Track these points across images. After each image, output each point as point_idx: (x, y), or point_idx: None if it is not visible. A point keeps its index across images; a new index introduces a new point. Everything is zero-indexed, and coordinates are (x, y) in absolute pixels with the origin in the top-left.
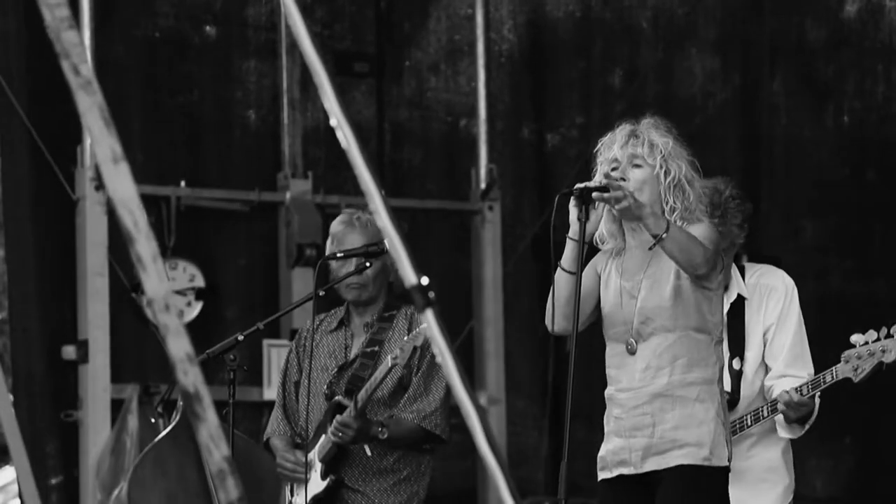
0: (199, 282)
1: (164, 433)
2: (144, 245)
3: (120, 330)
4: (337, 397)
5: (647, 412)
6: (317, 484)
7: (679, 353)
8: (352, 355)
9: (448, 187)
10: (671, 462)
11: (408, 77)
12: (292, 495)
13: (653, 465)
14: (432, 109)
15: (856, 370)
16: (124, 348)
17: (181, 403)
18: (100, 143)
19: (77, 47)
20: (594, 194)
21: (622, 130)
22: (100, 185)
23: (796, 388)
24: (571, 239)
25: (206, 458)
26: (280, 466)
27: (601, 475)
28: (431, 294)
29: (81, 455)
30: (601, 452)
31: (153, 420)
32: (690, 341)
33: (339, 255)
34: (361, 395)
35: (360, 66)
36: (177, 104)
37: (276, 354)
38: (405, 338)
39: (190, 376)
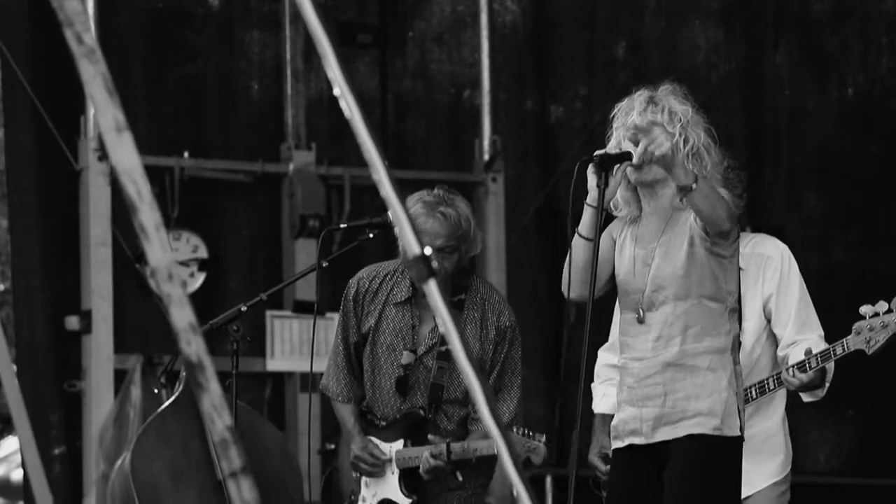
0: (203, 253)
1: (167, 403)
2: (148, 214)
3: (123, 300)
4: (418, 410)
5: (659, 382)
6: (395, 492)
7: (691, 322)
8: (421, 343)
9: (451, 159)
10: (682, 432)
11: (411, 48)
12: (361, 481)
13: (664, 435)
14: (436, 81)
15: (868, 342)
16: (127, 319)
17: (184, 374)
18: (103, 112)
19: (80, 16)
20: (636, 155)
21: (640, 97)
22: (103, 156)
23: (801, 366)
24: (590, 206)
25: (209, 428)
26: (355, 464)
27: (613, 444)
28: (434, 265)
29: (84, 425)
30: (613, 422)
31: (156, 390)
32: (703, 310)
33: (342, 225)
34: (457, 450)
35: (364, 37)
36: (180, 75)
37: (278, 325)
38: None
39: (193, 346)
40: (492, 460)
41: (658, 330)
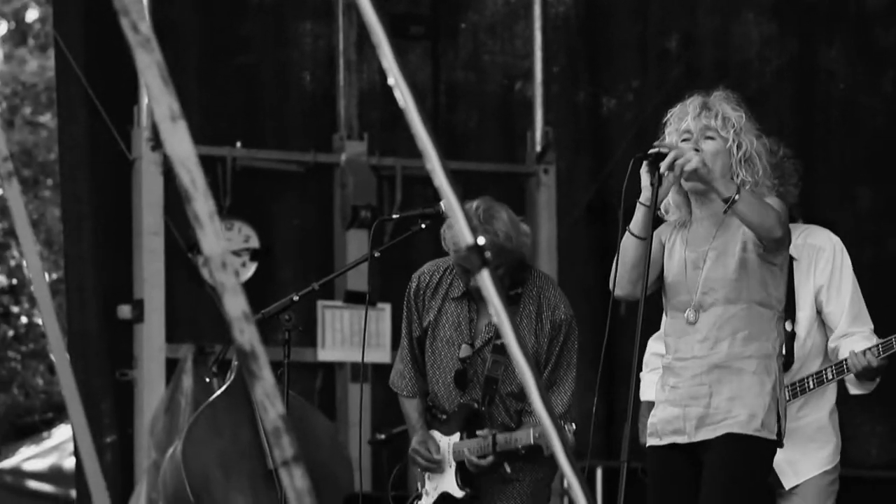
0: (254, 242)
1: (218, 392)
2: (202, 203)
3: (175, 290)
4: (473, 403)
5: (705, 382)
6: (452, 485)
7: (740, 326)
8: (478, 336)
9: (503, 150)
10: (722, 431)
11: (463, 39)
12: (425, 474)
13: (705, 434)
14: (488, 72)
15: None
16: (179, 308)
17: (235, 363)
18: (158, 101)
19: (136, 4)
20: (663, 164)
21: (693, 102)
22: (156, 145)
23: (867, 351)
24: (643, 204)
25: (262, 416)
26: (412, 458)
27: (650, 441)
28: (487, 254)
29: (136, 414)
30: (652, 419)
31: (207, 379)
32: (752, 314)
33: (394, 216)
34: (501, 441)
35: (416, 28)
36: (233, 65)
37: (329, 315)
38: (535, 433)
39: (246, 334)
40: (545, 454)
41: (706, 331)
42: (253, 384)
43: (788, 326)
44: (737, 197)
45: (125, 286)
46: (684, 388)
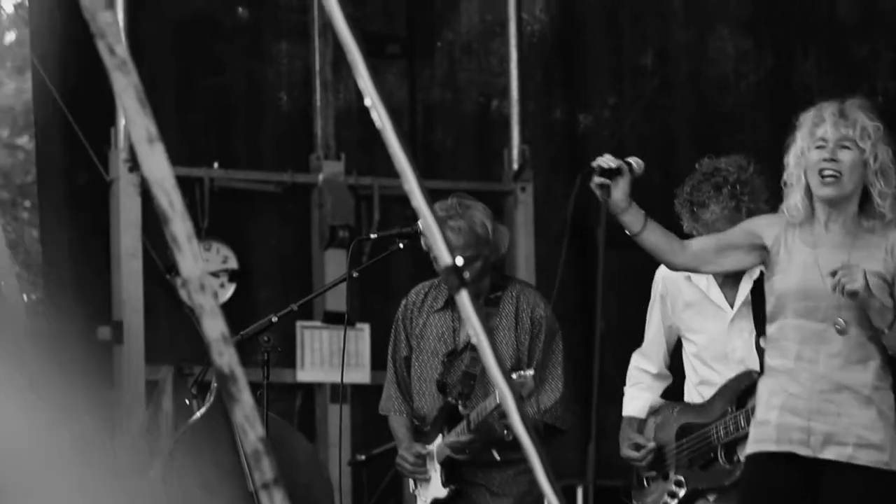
0: (233, 263)
1: (198, 415)
2: (180, 225)
3: (154, 311)
4: (450, 399)
5: (833, 400)
6: (437, 488)
7: (873, 355)
8: (461, 341)
9: (480, 168)
10: (854, 458)
11: (440, 58)
12: (416, 485)
13: (832, 454)
14: (464, 90)
15: None
16: (159, 330)
17: (215, 385)
18: (135, 123)
19: (112, 27)
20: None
21: (829, 109)
22: (133, 167)
23: None
24: (615, 214)
25: (241, 439)
26: (399, 465)
27: (760, 447)
28: (466, 275)
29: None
30: (764, 426)
31: (187, 401)
32: (879, 344)
33: (371, 236)
34: (473, 417)
35: (392, 47)
36: (209, 86)
37: (309, 336)
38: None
39: (225, 357)
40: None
41: (839, 348)
42: (232, 407)
43: (763, 343)
44: (887, 331)
45: (104, 308)
46: (809, 400)
